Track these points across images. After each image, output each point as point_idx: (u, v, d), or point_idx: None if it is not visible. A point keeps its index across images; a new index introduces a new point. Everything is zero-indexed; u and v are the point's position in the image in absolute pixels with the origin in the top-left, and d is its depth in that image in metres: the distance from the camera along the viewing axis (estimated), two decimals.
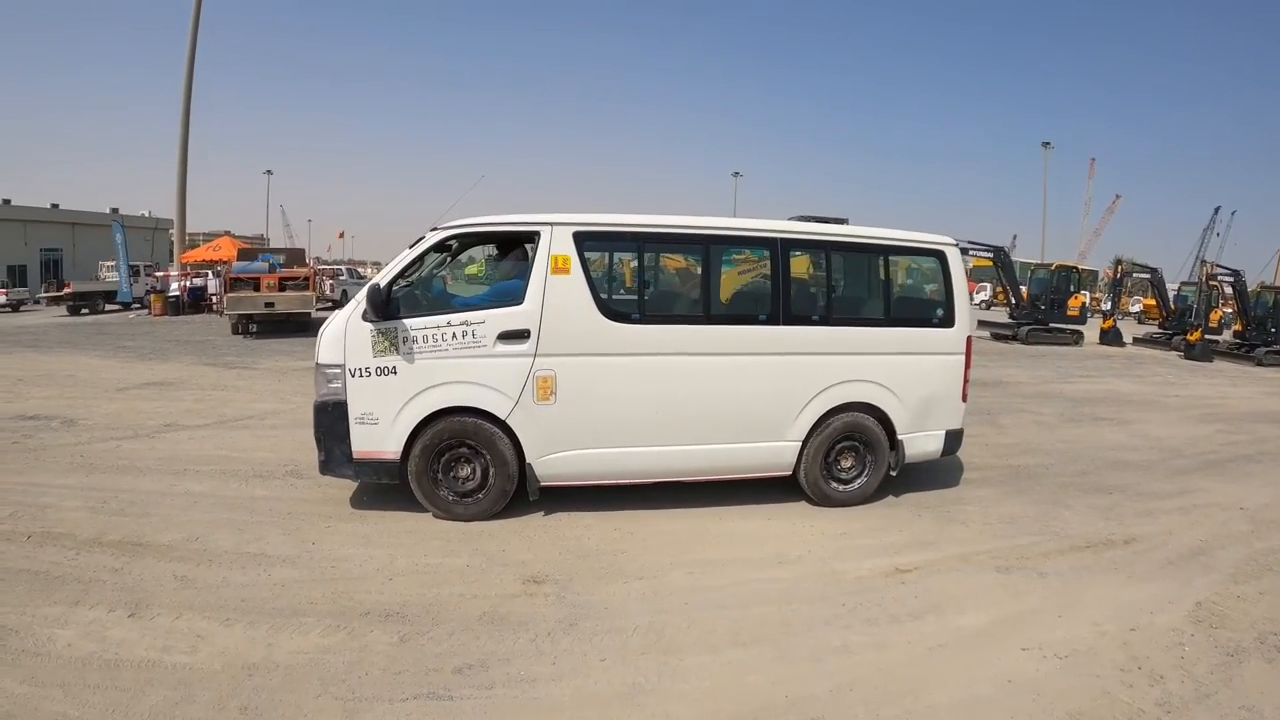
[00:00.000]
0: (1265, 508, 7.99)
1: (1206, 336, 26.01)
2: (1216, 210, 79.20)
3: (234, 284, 18.47)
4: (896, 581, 5.42)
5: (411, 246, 6.25)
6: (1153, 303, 34.22)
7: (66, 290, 28.52)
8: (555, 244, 6.15)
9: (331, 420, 5.98)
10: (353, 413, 5.95)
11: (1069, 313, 28.24)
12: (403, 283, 6.23)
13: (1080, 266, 40.46)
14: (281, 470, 7.16)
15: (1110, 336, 28.42)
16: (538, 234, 6.20)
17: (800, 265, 7.01)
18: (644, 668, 4.07)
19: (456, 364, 6.00)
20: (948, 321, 7.26)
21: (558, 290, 6.10)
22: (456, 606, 4.65)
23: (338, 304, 26.12)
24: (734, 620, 4.68)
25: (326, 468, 6.13)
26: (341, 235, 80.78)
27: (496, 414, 6.07)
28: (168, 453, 7.73)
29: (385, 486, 6.49)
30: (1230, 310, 30.67)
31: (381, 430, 5.98)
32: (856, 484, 7.08)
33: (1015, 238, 74.84)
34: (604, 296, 6.40)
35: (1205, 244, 77.67)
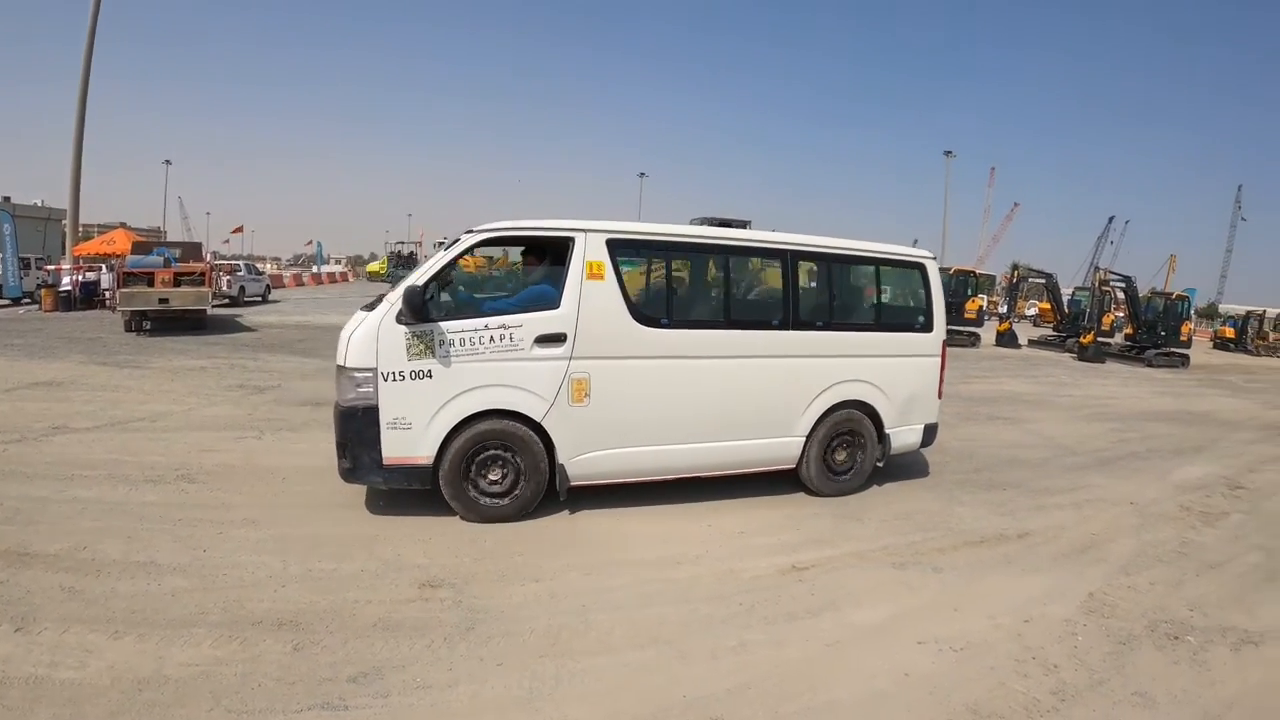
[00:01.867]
0: (1154, 502, 8.37)
1: (1099, 339, 27.11)
2: (1110, 220, 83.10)
3: (127, 279, 17.63)
4: (794, 579, 5.47)
5: (447, 248, 6.19)
6: (1048, 306, 35.42)
7: None
8: (590, 250, 6.26)
9: (361, 426, 5.83)
10: (384, 418, 5.83)
11: (966, 315, 29.12)
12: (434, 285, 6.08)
13: (978, 271, 41.70)
14: (173, 475, 6.85)
15: (1006, 339, 29.39)
16: (572, 240, 6.27)
17: (806, 275, 7.44)
18: (541, 671, 4.02)
19: (494, 367, 6.02)
20: (928, 327, 7.98)
21: (592, 295, 6.23)
22: (351, 613, 4.51)
23: (235, 300, 25.36)
24: (632, 621, 4.66)
25: (352, 475, 5.99)
26: (239, 230, 78.34)
27: (532, 416, 6.14)
28: (56, 457, 7.34)
29: (277, 490, 6.42)
30: (1122, 314, 31.98)
31: (415, 435, 5.91)
32: (850, 475, 7.63)
33: (916, 242, 76.83)
34: (635, 302, 6.51)
35: (1099, 251, 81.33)
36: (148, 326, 17.19)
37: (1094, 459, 10.50)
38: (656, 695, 3.88)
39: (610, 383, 6.33)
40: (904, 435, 7.92)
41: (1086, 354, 26.18)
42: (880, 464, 7.83)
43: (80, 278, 25.32)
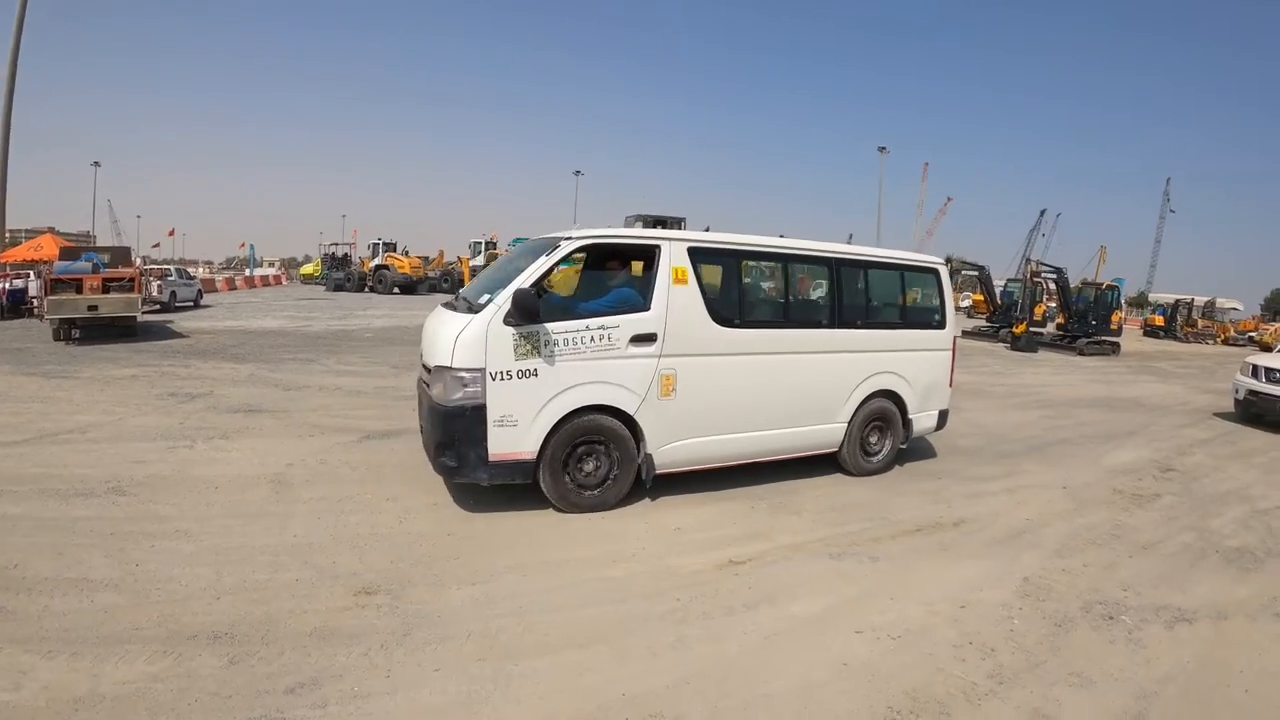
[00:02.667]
0: (1086, 486, 8.66)
1: (1031, 329, 27.71)
2: (1043, 213, 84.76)
3: (55, 286, 17.04)
4: (731, 574, 5.52)
5: (549, 254, 6.40)
6: (981, 298, 36.10)
7: None
8: (674, 258, 6.79)
9: (469, 424, 6.09)
10: (491, 416, 6.11)
11: None
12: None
13: None
14: (104, 487, 6.65)
15: None
16: (658, 248, 6.78)
17: (847, 279, 8.14)
18: (479, 675, 3.99)
19: (594, 365, 6.43)
20: (941, 324, 9.04)
21: (678, 298, 6.77)
22: (286, 623, 4.43)
23: (166, 306, 24.66)
24: (569, 621, 4.66)
25: (457, 473, 6.26)
26: (172, 233, 76.57)
27: (626, 410, 6.60)
28: None
29: (209, 501, 6.33)
30: (1053, 304, 32.71)
31: (520, 431, 6.22)
32: (879, 456, 8.57)
33: (851, 237, 78.01)
34: (712, 303, 7.03)
35: (1031, 243, 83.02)
36: (77, 335, 16.62)
37: (1027, 446, 10.77)
38: (595, 694, 3.89)
39: (693, 377, 6.89)
40: (923, 420, 8.92)
41: (1019, 344, 26.75)
42: (903, 446, 8.83)
43: (7, 285, 24.50)
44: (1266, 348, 38.98)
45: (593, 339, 6.40)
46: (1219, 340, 46.47)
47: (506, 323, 6.09)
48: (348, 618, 4.54)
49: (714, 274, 7.33)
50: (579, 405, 6.39)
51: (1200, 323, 47.55)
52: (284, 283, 57.20)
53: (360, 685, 3.86)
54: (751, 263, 7.76)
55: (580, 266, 7.66)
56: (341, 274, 45.14)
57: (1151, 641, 4.91)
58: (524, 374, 6.16)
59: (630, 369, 6.58)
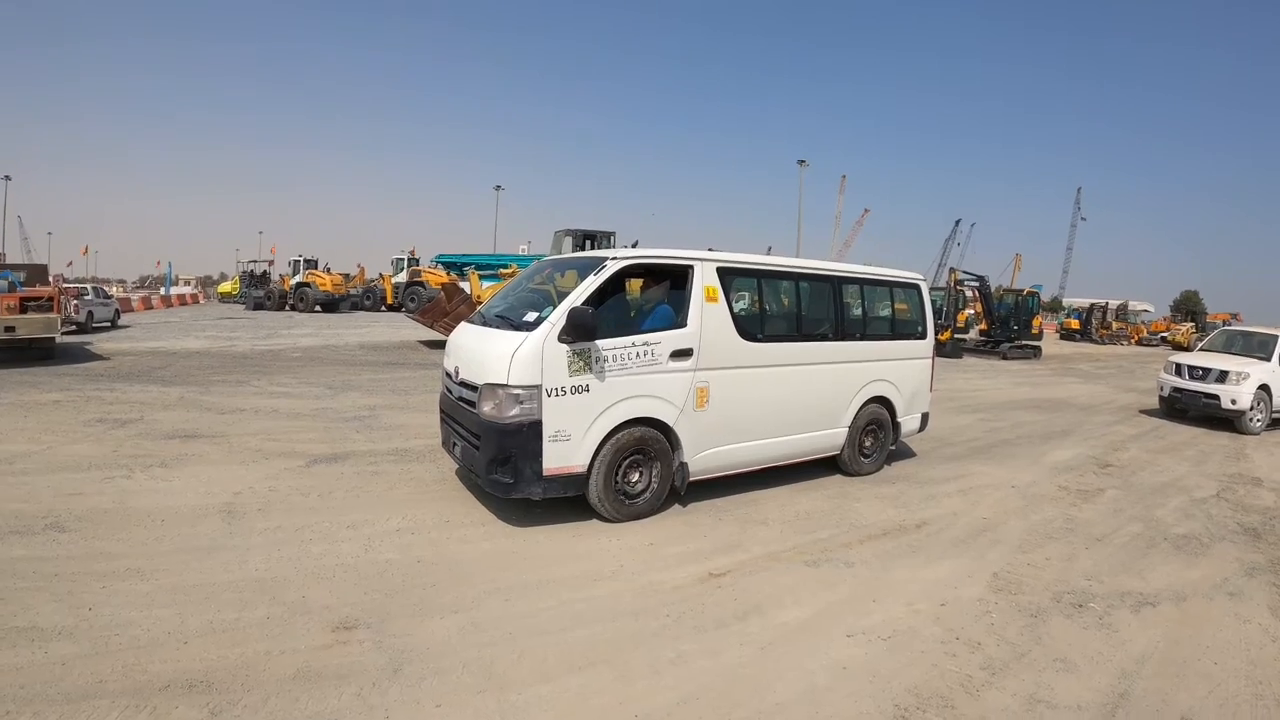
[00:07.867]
0: (1032, 484, 8.98)
1: (956, 335, 28.42)
2: (957, 223, 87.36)
3: None
4: (714, 586, 5.48)
5: (596, 273, 6.63)
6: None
7: None
8: (705, 277, 7.19)
9: (525, 440, 6.24)
10: (547, 431, 6.27)
11: None
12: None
13: None
14: (41, 523, 6.18)
15: None
16: (691, 268, 7.15)
17: (847, 295, 8.82)
18: (484, 708, 3.78)
19: (639, 380, 6.71)
20: (923, 335, 9.82)
21: (710, 315, 7.17)
22: (265, 667, 4.10)
23: (83, 327, 23.64)
24: (563, 644, 4.50)
25: (513, 489, 6.36)
26: (85, 251, 73.93)
27: (667, 421, 6.91)
28: None
29: (158, 535, 6.03)
30: (974, 311, 33.60)
31: (573, 446, 6.41)
32: (873, 458, 9.15)
33: (770, 249, 78.96)
34: (738, 319, 7.44)
35: (947, 253, 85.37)
36: None
37: (970, 448, 11.09)
38: (608, 717, 3.77)
39: (723, 389, 7.28)
40: (909, 423, 9.62)
41: (944, 350, 27.36)
42: (893, 447, 9.51)
43: None
44: (1179, 347, 40.99)
45: (638, 355, 6.69)
46: (1133, 341, 48.72)
47: (561, 340, 6.26)
48: (331, 656, 4.26)
49: (738, 291, 7.72)
50: (626, 418, 6.63)
51: (1114, 325, 49.59)
52: (201, 301, 55.61)
53: None
54: (768, 280, 8.13)
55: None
56: (261, 292, 44.09)
57: (1122, 625, 5.18)
58: (577, 389, 6.36)
59: (671, 382, 6.91)
